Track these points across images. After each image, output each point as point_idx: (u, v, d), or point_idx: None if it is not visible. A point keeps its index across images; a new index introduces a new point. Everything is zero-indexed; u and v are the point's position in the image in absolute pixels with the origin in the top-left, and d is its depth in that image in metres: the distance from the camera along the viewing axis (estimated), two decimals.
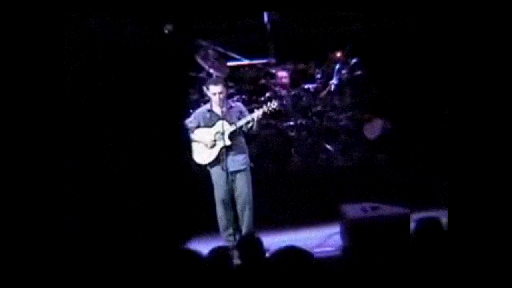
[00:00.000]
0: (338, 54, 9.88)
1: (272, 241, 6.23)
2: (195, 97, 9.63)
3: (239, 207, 7.41)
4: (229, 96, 8.83)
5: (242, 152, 7.45)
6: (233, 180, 7.40)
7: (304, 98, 9.68)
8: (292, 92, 9.62)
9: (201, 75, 9.57)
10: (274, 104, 7.39)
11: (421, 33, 9.40)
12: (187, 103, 9.55)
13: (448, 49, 4.26)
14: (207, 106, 7.62)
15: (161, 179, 9.19)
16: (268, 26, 9.35)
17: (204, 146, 7.42)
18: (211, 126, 7.42)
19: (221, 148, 7.33)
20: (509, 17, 3.98)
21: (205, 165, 7.47)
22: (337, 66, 9.83)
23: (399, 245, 4.28)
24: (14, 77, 4.27)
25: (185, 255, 2.87)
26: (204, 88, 7.77)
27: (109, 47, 9.18)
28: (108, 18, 8.99)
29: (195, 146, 7.52)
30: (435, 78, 8.91)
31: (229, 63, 9.67)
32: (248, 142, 7.81)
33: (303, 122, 9.51)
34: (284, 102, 9.39)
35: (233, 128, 7.31)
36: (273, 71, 9.70)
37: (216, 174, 7.41)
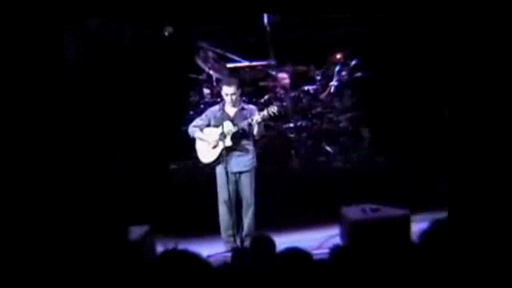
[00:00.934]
0: (338, 56, 9.88)
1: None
2: (195, 98, 9.64)
3: (243, 209, 7.42)
4: None
5: (247, 154, 7.43)
6: (237, 181, 7.41)
7: (304, 100, 9.68)
8: (292, 94, 9.62)
9: (201, 77, 9.58)
10: (274, 108, 7.38)
11: (420, 35, 9.40)
12: (187, 105, 9.57)
13: (448, 50, 4.26)
14: (221, 105, 7.63)
15: (160, 180, 9.21)
16: (268, 28, 9.35)
17: (208, 145, 7.43)
18: (218, 126, 7.43)
19: (223, 149, 7.34)
20: (509, 17, 3.99)
21: (208, 165, 7.49)
22: (337, 68, 9.83)
23: (399, 246, 4.27)
24: (13, 77, 4.27)
25: (183, 257, 2.88)
26: (205, 90, 7.78)
27: (109, 49, 9.20)
28: (108, 20, 9.00)
29: (200, 145, 7.53)
30: (435, 79, 8.91)
31: (229, 65, 9.67)
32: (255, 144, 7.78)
33: (303, 123, 9.51)
34: (284, 103, 9.40)
35: (235, 129, 7.33)
36: (273, 73, 9.69)
37: (220, 174, 7.42)
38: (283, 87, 9.65)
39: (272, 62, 9.61)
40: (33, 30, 4.37)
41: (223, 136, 7.32)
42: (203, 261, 2.93)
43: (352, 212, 6.80)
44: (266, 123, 8.43)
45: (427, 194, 8.29)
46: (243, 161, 7.41)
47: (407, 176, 8.77)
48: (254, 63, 9.84)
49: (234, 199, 7.39)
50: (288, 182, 9.01)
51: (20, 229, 4.14)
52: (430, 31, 9.09)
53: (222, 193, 7.40)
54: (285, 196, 8.75)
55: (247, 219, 7.42)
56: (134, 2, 8.51)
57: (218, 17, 9.21)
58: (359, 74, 9.74)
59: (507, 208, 3.83)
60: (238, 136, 7.38)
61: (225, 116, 7.44)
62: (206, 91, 9.53)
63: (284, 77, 9.68)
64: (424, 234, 3.81)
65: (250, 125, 7.35)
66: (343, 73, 9.81)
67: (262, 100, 9.50)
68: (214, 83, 9.37)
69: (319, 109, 9.68)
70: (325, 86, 9.85)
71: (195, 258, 2.89)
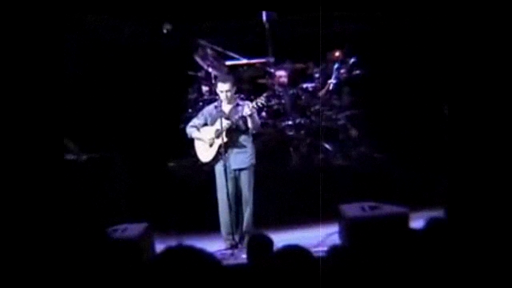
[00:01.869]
0: (337, 53, 9.87)
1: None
2: (193, 96, 9.63)
3: (242, 206, 7.42)
4: None
5: (245, 151, 7.43)
6: (236, 178, 7.40)
7: (302, 98, 9.67)
8: (291, 91, 9.62)
9: (199, 74, 9.57)
10: (262, 99, 7.40)
11: (419, 32, 9.40)
12: (185, 102, 9.56)
13: (447, 47, 4.26)
14: (216, 103, 7.62)
15: (159, 177, 9.20)
16: (267, 25, 9.34)
17: (205, 144, 7.43)
18: (213, 123, 7.43)
19: (219, 146, 7.33)
20: (509, 16, 3.99)
21: (207, 163, 7.49)
22: (336, 65, 9.82)
23: (398, 244, 4.27)
24: (13, 76, 4.27)
25: (187, 253, 2.86)
26: (203, 88, 7.78)
27: (108, 46, 9.19)
28: (107, 17, 8.99)
29: (198, 144, 7.53)
30: (434, 77, 8.91)
31: (228, 62, 9.66)
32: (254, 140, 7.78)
33: (302, 121, 9.51)
34: (283, 101, 9.39)
35: (228, 125, 7.31)
36: (272, 70, 9.69)
37: (218, 172, 7.42)
38: (282, 85, 9.64)
39: (271, 60, 9.60)
40: (31, 28, 4.36)
41: (219, 133, 7.32)
42: (209, 257, 2.91)
43: (351, 209, 6.79)
44: (264, 120, 8.47)
45: (426, 192, 8.29)
46: (241, 158, 7.41)
47: (406, 174, 8.77)
48: (253, 61, 9.84)
49: (233, 196, 7.39)
50: (287, 179, 9.00)
51: (18, 228, 4.14)
52: (429, 29, 9.09)
53: (221, 191, 7.40)
54: (283, 194, 8.75)
55: (246, 216, 7.42)
56: (132, 0, 8.51)
57: (217, 14, 9.20)
58: (357, 72, 9.74)
59: (507, 205, 3.83)
60: (234, 132, 7.37)
61: (219, 114, 7.43)
62: (204, 88, 9.52)
63: (282, 74, 9.68)
64: (422, 232, 3.81)
65: (242, 118, 7.33)
66: (342, 70, 9.80)
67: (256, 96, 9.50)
68: (213, 81, 9.37)
69: (317, 107, 9.67)
70: (324, 83, 9.84)
71: (202, 254, 2.88)
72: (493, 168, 3.91)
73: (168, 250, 2.92)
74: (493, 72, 3.99)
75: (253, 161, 7.50)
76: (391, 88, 9.58)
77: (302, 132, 9.46)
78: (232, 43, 9.64)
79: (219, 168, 7.39)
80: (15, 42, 4.33)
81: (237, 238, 7.41)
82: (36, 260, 4.03)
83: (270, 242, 5.17)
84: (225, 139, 7.30)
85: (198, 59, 9.39)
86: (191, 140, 7.64)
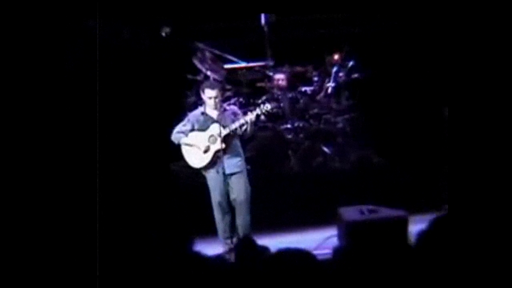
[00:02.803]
0: (336, 57, 9.87)
1: (269, 244, 6.19)
2: (192, 99, 9.63)
3: (236, 210, 7.41)
4: (225, 99, 8.83)
5: (237, 155, 7.45)
6: (229, 183, 7.40)
7: (301, 101, 9.68)
8: (289, 95, 9.62)
9: (198, 77, 9.57)
10: (267, 107, 7.40)
11: (419, 35, 9.40)
12: (184, 106, 9.55)
13: (446, 50, 4.25)
14: (201, 109, 7.63)
15: (159, 182, 9.19)
16: (266, 28, 9.34)
17: (198, 149, 7.40)
18: (204, 129, 7.42)
19: (215, 152, 7.32)
20: (509, 17, 3.98)
21: (200, 169, 7.47)
22: (335, 69, 9.83)
23: (397, 248, 4.25)
24: (12, 78, 4.26)
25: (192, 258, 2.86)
26: (200, 92, 7.76)
27: (106, 50, 9.17)
28: (105, 20, 8.97)
29: (188, 150, 7.49)
30: (433, 80, 8.91)
31: (226, 66, 9.66)
32: (244, 145, 7.82)
33: (300, 124, 9.51)
34: (281, 104, 9.39)
35: (227, 131, 7.30)
36: (270, 73, 9.69)
37: (211, 177, 7.42)
38: (281, 88, 9.64)
39: (270, 63, 9.61)
40: (30, 31, 4.36)
41: (214, 139, 7.31)
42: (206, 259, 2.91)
43: (350, 213, 6.77)
44: (263, 123, 8.47)
45: (425, 195, 8.29)
46: (234, 163, 7.41)
47: (405, 177, 8.77)
48: (251, 64, 9.84)
49: (227, 201, 7.39)
50: (285, 183, 9.00)
51: (24, 230, 4.14)
52: (428, 31, 9.09)
53: (216, 196, 7.41)
54: (282, 197, 8.75)
55: (242, 220, 7.40)
56: (131, 2, 8.49)
57: (216, 17, 9.19)
58: (356, 75, 9.75)
59: (508, 208, 3.82)
60: (230, 138, 7.37)
61: (208, 120, 7.42)
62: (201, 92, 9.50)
63: (281, 77, 9.68)
64: (422, 234, 3.80)
65: (242, 125, 7.33)
66: (341, 74, 9.81)
67: (259, 101, 9.49)
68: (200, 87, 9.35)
69: (316, 110, 9.68)
70: (323, 87, 9.85)
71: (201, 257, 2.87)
72: (494, 171, 3.90)
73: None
74: (494, 74, 3.98)
75: (245, 164, 7.51)
76: (390, 91, 9.58)
77: (301, 135, 9.46)
78: (231, 46, 9.64)
79: (212, 173, 7.38)
80: (15, 46, 4.33)
81: (235, 242, 7.40)
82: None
83: (259, 247, 5.10)
84: (223, 145, 7.28)
85: (196, 62, 9.38)
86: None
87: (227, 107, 7.73)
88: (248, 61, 9.79)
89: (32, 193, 4.23)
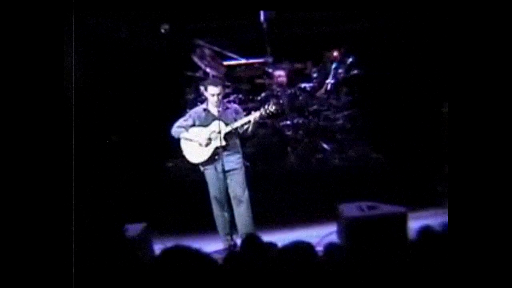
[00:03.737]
0: (335, 53, 9.88)
1: (268, 241, 6.22)
2: (191, 96, 9.63)
3: (234, 206, 7.42)
4: (225, 96, 8.84)
5: (236, 152, 7.47)
6: (227, 179, 7.41)
7: (300, 97, 9.68)
8: (289, 91, 9.62)
9: (197, 74, 9.57)
10: (272, 107, 7.40)
11: (418, 31, 9.40)
12: (183, 102, 9.56)
13: (445, 46, 4.26)
14: (203, 105, 7.65)
15: (157, 177, 9.20)
16: (265, 25, 9.32)
17: (198, 145, 7.42)
18: (206, 125, 7.44)
19: (216, 148, 7.34)
20: (508, 15, 3.98)
21: (198, 164, 7.48)
22: (334, 65, 9.84)
23: (396, 244, 4.27)
24: (13, 77, 4.27)
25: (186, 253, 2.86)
26: (201, 88, 7.77)
27: (105, 47, 9.18)
28: (105, 17, 8.98)
29: (188, 145, 7.51)
30: (433, 76, 8.91)
31: (226, 62, 9.66)
32: (244, 142, 7.83)
33: (300, 121, 9.51)
34: (281, 101, 9.39)
35: (228, 128, 7.32)
36: (270, 70, 9.69)
37: (210, 173, 7.43)
38: (280, 85, 9.64)
39: (269, 60, 9.60)
40: (31, 30, 4.37)
41: (215, 135, 7.32)
42: (206, 257, 2.92)
43: (349, 209, 6.79)
44: (262, 120, 8.46)
45: (424, 191, 8.30)
46: (233, 159, 7.42)
47: (404, 174, 8.77)
48: (251, 61, 9.84)
49: (225, 197, 7.40)
50: (285, 179, 9.00)
51: (19, 228, 4.14)
52: (427, 28, 9.09)
53: (214, 193, 7.43)
54: (281, 194, 8.75)
55: (242, 217, 7.41)
56: (130, 0, 8.49)
57: (215, 14, 9.19)
58: (355, 71, 9.75)
59: (508, 206, 3.83)
60: (231, 135, 7.39)
61: (210, 116, 7.44)
62: (202, 88, 9.51)
63: (281, 74, 9.68)
64: (421, 231, 3.81)
65: (245, 124, 7.36)
66: (340, 70, 9.81)
67: (259, 98, 9.50)
68: (202, 84, 9.36)
69: (315, 107, 9.68)
70: (322, 83, 9.86)
71: (198, 254, 2.88)
72: (494, 169, 3.91)
73: (165, 251, 2.92)
74: (493, 72, 3.98)
75: (243, 161, 7.53)
76: (389, 88, 9.58)
77: (300, 132, 9.47)
78: (230, 43, 9.64)
79: (210, 170, 7.40)
80: (16, 45, 4.33)
81: (235, 238, 7.41)
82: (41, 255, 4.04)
83: (264, 245, 5.11)
84: (224, 142, 7.31)
85: (196, 59, 9.38)
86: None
87: (229, 105, 7.74)
88: (247, 58, 9.79)
89: (31, 190, 4.25)
